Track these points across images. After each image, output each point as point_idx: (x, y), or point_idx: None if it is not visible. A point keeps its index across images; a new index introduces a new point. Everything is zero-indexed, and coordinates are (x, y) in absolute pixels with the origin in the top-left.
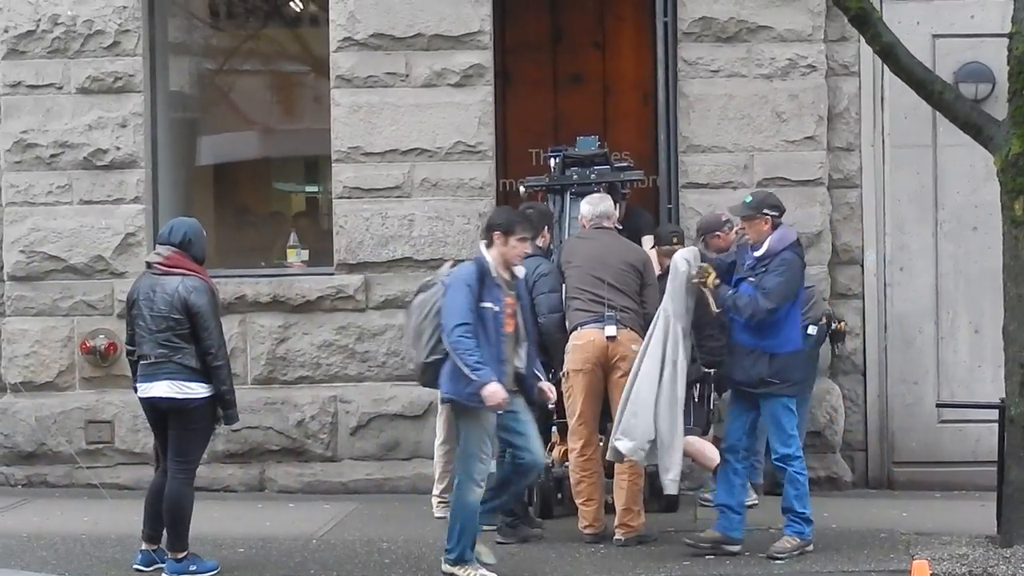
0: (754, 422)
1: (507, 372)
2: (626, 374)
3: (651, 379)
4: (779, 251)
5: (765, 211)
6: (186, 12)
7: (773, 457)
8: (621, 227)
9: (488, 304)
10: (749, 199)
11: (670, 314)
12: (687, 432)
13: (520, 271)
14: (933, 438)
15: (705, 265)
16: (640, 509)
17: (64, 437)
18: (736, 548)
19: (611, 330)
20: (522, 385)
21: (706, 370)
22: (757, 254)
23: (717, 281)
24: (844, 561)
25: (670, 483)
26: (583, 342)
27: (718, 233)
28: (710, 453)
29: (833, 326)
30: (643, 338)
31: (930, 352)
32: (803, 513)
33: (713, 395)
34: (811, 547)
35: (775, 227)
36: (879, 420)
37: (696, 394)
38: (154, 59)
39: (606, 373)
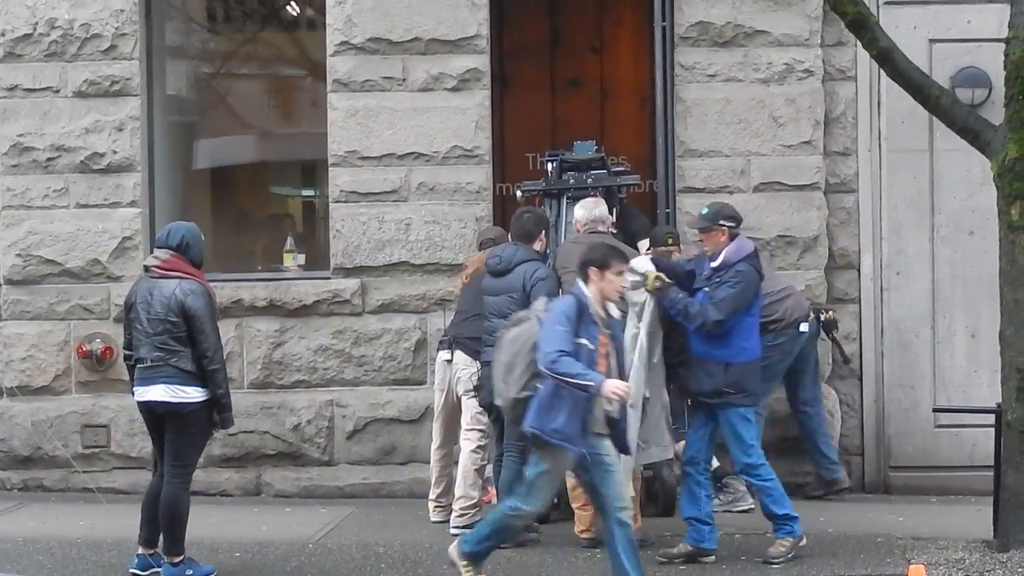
0: (713, 433)
1: (595, 415)
2: None
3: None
4: (734, 263)
5: (721, 222)
6: (183, 16)
7: (736, 469)
8: (616, 231)
9: (583, 340)
10: (705, 211)
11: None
12: (682, 437)
13: (615, 310)
14: (930, 443)
15: (648, 271)
16: (636, 513)
17: (60, 441)
18: (711, 558)
19: None
20: (613, 428)
21: None
22: (713, 265)
23: (658, 284)
24: (841, 566)
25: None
26: None
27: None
28: None
29: (823, 317)
30: None
31: (927, 357)
32: (785, 514)
33: None
34: (804, 541)
35: (732, 238)
36: (876, 425)
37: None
38: (151, 63)
39: None
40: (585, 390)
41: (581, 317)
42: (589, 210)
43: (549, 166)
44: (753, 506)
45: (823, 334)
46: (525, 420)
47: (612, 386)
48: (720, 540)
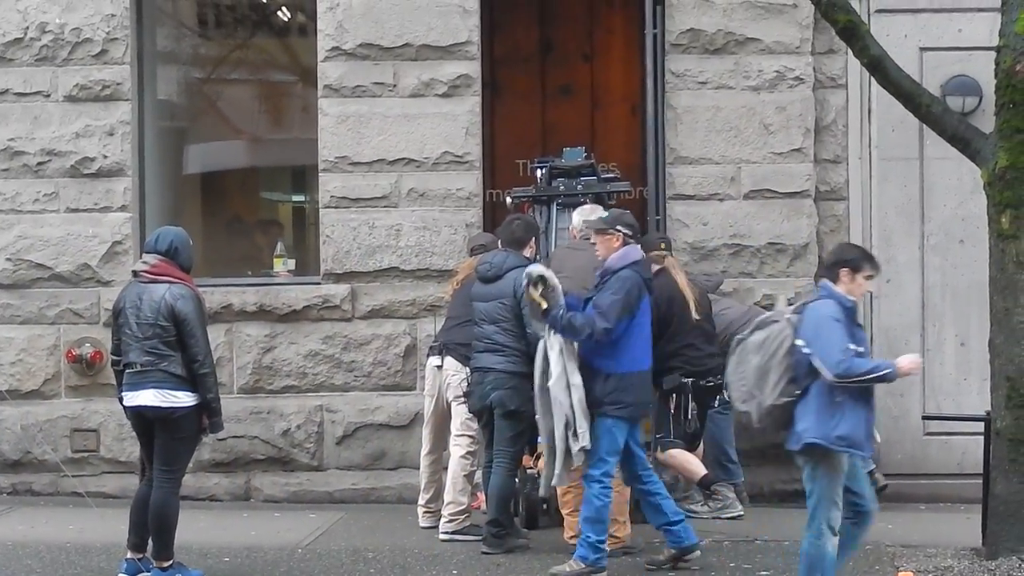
0: (627, 446)
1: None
2: None
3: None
4: (617, 269)
5: (619, 227)
6: (174, 21)
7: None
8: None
9: (852, 346)
10: (606, 215)
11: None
12: (669, 446)
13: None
14: (919, 450)
15: (534, 277)
16: (626, 520)
17: (50, 445)
18: (696, 553)
19: None
20: None
21: (684, 380)
22: (599, 271)
23: (539, 290)
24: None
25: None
26: None
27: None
28: (693, 466)
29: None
30: None
31: None
32: (588, 537)
33: (691, 405)
34: (603, 575)
35: (626, 246)
36: None
37: (673, 405)
38: (142, 67)
39: None
40: (884, 380)
41: (847, 319)
42: (586, 216)
43: (538, 173)
44: (743, 512)
45: None
46: (794, 429)
47: (906, 362)
48: (709, 547)
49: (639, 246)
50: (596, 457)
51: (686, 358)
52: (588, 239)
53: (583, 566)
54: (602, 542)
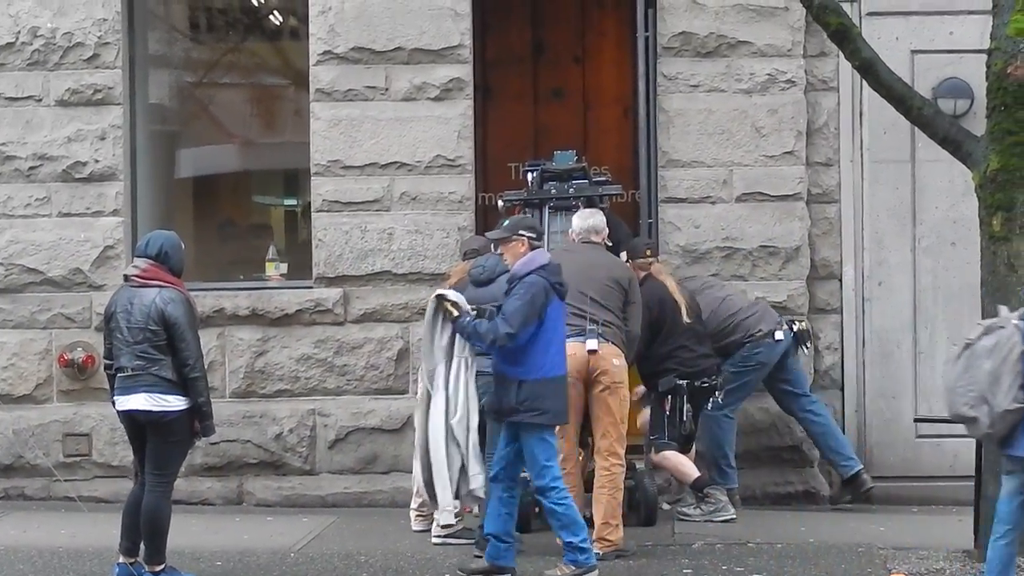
0: (519, 451)
1: None
2: (607, 388)
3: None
4: (523, 274)
5: (521, 232)
6: (166, 25)
7: (533, 488)
8: (610, 243)
9: None
10: (507, 223)
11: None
12: (663, 447)
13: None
14: (911, 453)
15: (443, 294)
16: (619, 524)
17: (42, 450)
18: (595, 573)
19: (592, 344)
20: None
21: (679, 382)
22: (508, 278)
23: (453, 305)
24: (822, 575)
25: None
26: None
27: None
28: (687, 468)
29: (795, 327)
30: (624, 353)
31: (908, 367)
32: (570, 542)
33: (687, 407)
34: (594, 574)
35: (533, 250)
36: (857, 435)
37: (668, 406)
38: (134, 72)
39: (587, 387)
40: None
41: None
42: (584, 219)
43: (529, 176)
44: (735, 516)
45: (802, 345)
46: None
47: None
48: (702, 550)
49: (545, 249)
50: (537, 468)
51: (680, 360)
52: (586, 242)
53: (574, 568)
54: (585, 540)
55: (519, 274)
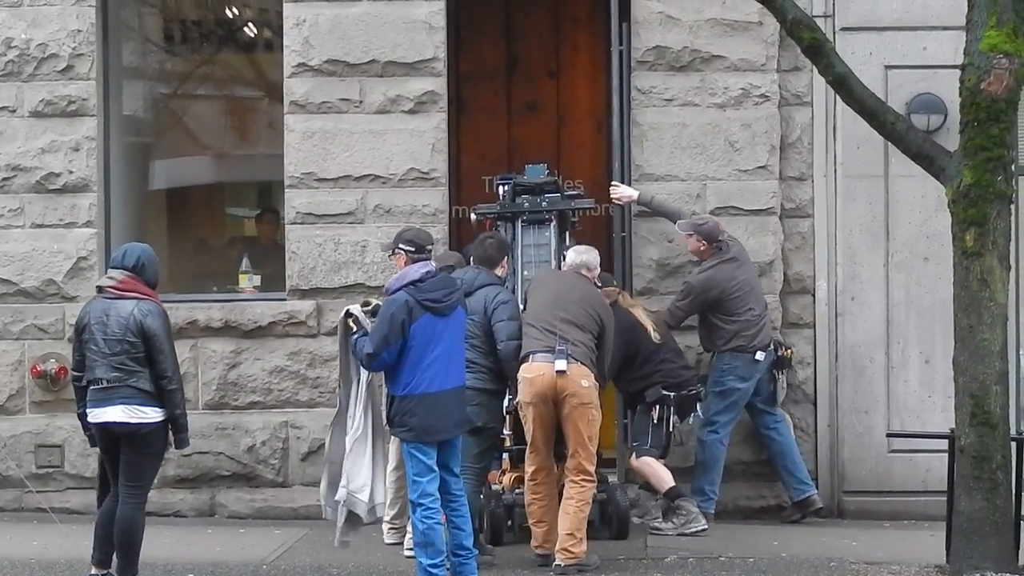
0: (443, 466)
1: None
2: (575, 408)
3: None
4: (392, 290)
5: (400, 246)
6: (140, 37)
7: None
8: (600, 285)
9: None
10: (395, 235)
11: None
12: (644, 453)
13: None
14: (883, 468)
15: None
16: (583, 538)
17: (14, 461)
18: None
19: (561, 364)
20: None
21: (665, 392)
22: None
23: (354, 321)
24: None
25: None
26: (532, 375)
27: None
28: (664, 476)
29: (779, 353)
30: (594, 374)
31: (881, 382)
32: (422, 563)
33: (674, 418)
34: None
35: (414, 263)
36: (829, 449)
37: (656, 415)
38: (108, 83)
39: (556, 406)
40: None
41: None
42: (579, 255)
43: (501, 189)
44: (706, 527)
45: (776, 369)
46: None
47: None
48: (674, 564)
49: (429, 261)
50: (409, 480)
51: (664, 372)
52: (577, 274)
53: None
54: (435, 566)
55: (389, 289)
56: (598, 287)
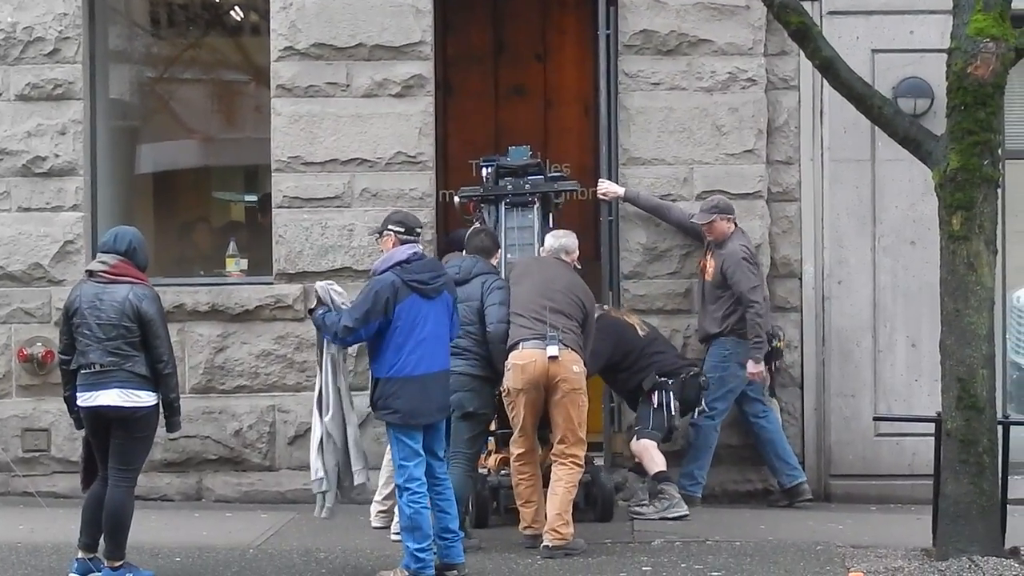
0: (429, 450)
1: None
2: (566, 395)
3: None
4: (379, 271)
5: (390, 227)
6: (127, 20)
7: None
8: (580, 267)
9: None
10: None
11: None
12: (645, 436)
13: None
14: (870, 451)
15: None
16: (570, 520)
17: (0, 445)
18: (454, 572)
19: (553, 350)
20: None
21: (660, 378)
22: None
23: (312, 304)
24: (780, 573)
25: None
26: (524, 362)
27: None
28: (657, 459)
29: (774, 343)
30: (583, 360)
31: (868, 366)
32: (408, 547)
33: (675, 403)
34: None
35: (402, 244)
36: (816, 433)
37: (656, 400)
38: (94, 67)
39: (547, 392)
40: None
41: None
42: (557, 239)
43: (484, 171)
44: (688, 512)
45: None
46: None
47: None
48: (661, 548)
49: (417, 243)
50: (395, 464)
51: (658, 363)
52: (556, 259)
53: (406, 574)
54: (422, 550)
55: (376, 271)
56: (577, 270)
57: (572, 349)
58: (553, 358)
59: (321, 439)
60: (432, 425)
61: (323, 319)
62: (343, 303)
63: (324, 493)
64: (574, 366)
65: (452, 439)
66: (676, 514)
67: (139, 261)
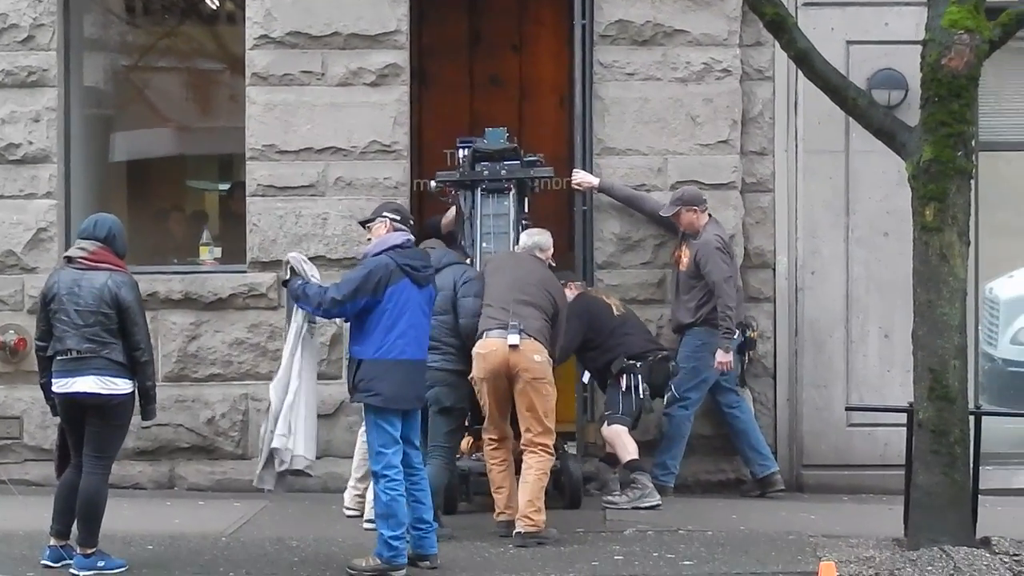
0: (405, 439)
1: None
2: (528, 384)
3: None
4: (375, 252)
5: (385, 213)
6: (102, 8)
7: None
8: (554, 264)
9: None
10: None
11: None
12: (616, 421)
13: None
14: (842, 441)
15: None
16: (542, 507)
17: None
18: (427, 562)
19: (514, 339)
20: None
21: (629, 362)
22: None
23: (286, 275)
24: (752, 563)
25: (298, 459)
26: (486, 351)
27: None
28: (629, 447)
29: (748, 334)
30: (548, 351)
31: (840, 356)
32: (383, 534)
33: (643, 386)
34: (400, 573)
35: (395, 231)
36: (789, 423)
37: (624, 384)
38: (69, 54)
39: (510, 381)
40: None
41: None
42: (531, 236)
43: (461, 153)
44: (660, 502)
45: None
46: None
47: None
48: (633, 537)
49: (407, 232)
50: (372, 452)
51: (626, 344)
52: (531, 255)
53: (379, 562)
54: (396, 538)
55: (370, 252)
56: (551, 267)
57: (535, 339)
58: (513, 346)
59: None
60: (409, 413)
61: (303, 289)
62: (313, 275)
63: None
64: (535, 355)
65: (431, 433)
66: (648, 504)
67: (118, 248)
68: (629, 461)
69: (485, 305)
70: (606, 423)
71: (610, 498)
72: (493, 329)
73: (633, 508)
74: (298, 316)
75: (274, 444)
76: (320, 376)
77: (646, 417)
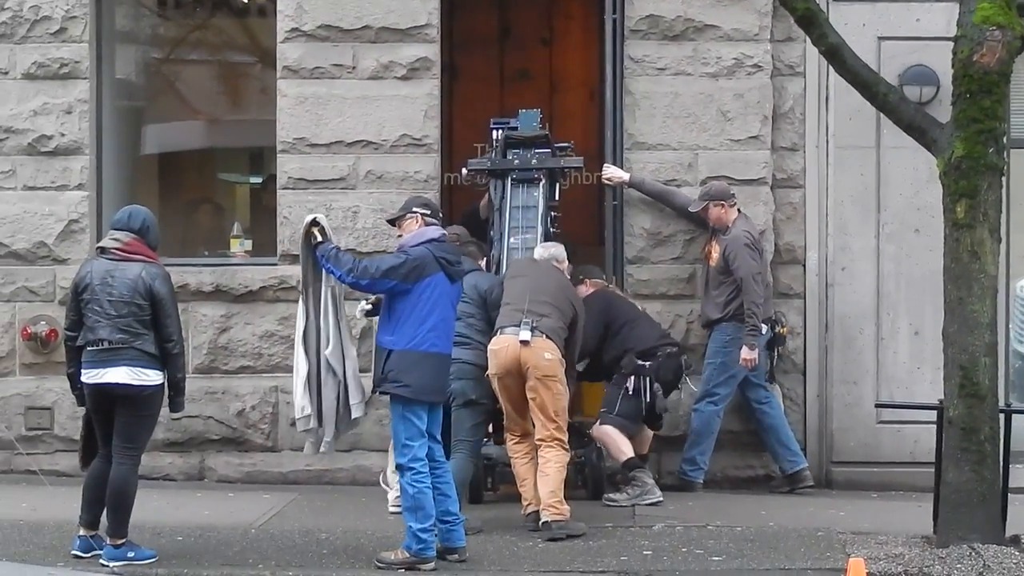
0: (431, 433)
1: None
2: (538, 381)
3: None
4: (412, 244)
5: (415, 209)
6: (133, 0)
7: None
8: (584, 278)
9: None
10: (404, 203)
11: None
12: (608, 422)
13: None
14: (872, 438)
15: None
16: (563, 498)
17: (4, 423)
18: (455, 555)
19: (525, 334)
20: None
21: (640, 362)
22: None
23: (318, 238)
24: (781, 559)
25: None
26: (498, 347)
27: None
28: (622, 446)
29: (776, 330)
30: (560, 350)
31: (870, 353)
32: (411, 527)
33: (656, 386)
34: (428, 566)
35: (427, 226)
36: (818, 420)
37: (631, 387)
38: (100, 46)
39: (521, 378)
40: None
41: None
42: (546, 249)
43: (495, 133)
44: (661, 499)
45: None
46: None
47: None
48: (662, 532)
49: (439, 226)
50: (399, 444)
51: (636, 336)
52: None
53: (407, 555)
54: (425, 531)
55: (406, 244)
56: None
57: (548, 337)
58: (524, 342)
59: (307, 375)
60: (434, 406)
61: (336, 253)
62: (332, 237)
63: (310, 430)
64: (546, 353)
65: (454, 427)
66: (649, 501)
67: (151, 240)
68: (627, 460)
69: (503, 304)
70: (598, 422)
71: (611, 495)
72: (507, 327)
73: (633, 505)
74: (330, 280)
75: (355, 415)
76: None
77: (670, 415)
